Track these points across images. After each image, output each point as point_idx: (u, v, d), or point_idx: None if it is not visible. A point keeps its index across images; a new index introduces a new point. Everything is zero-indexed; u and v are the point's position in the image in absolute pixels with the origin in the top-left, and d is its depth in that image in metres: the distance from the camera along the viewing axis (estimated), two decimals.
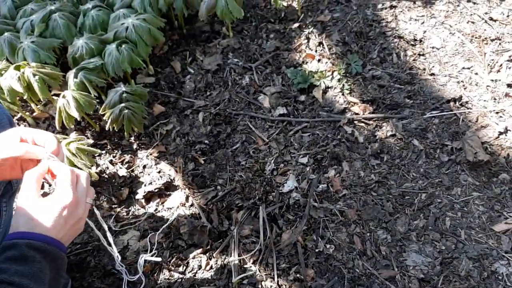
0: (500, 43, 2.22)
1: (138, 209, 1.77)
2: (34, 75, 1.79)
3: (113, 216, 1.74)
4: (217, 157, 1.87)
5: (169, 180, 1.82)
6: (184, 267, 1.61)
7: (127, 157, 1.88)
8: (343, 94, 2.02)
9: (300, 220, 1.66)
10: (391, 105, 2.00)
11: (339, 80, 2.06)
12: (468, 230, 1.65)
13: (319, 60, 2.15)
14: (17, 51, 1.93)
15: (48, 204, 0.88)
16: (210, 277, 1.58)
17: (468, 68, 2.16)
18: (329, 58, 2.15)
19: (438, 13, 2.38)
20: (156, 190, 1.78)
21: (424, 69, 2.15)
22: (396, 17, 2.35)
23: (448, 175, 1.79)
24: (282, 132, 1.94)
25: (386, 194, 1.74)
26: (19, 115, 2.01)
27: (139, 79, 2.09)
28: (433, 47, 2.25)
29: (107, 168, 1.85)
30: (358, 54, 2.17)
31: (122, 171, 1.84)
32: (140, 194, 1.77)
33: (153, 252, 1.62)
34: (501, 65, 2.15)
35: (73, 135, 1.76)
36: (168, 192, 1.80)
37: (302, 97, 2.04)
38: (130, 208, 1.78)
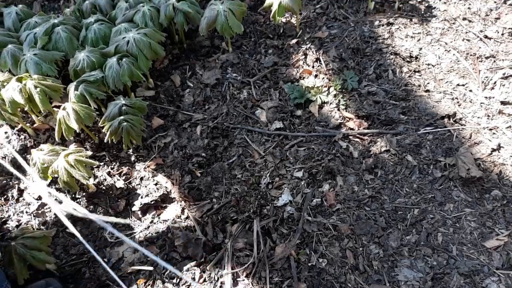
0: (494, 61, 2.26)
1: (134, 221, 1.80)
2: (36, 87, 1.83)
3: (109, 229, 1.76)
4: (213, 170, 1.90)
5: (166, 192, 1.84)
6: (178, 279, 1.62)
7: (124, 169, 1.91)
8: (338, 110, 2.06)
9: (294, 234, 1.68)
10: (386, 120, 2.03)
11: (335, 95, 2.10)
12: (459, 246, 1.67)
13: (316, 76, 2.18)
14: (20, 63, 1.97)
15: None
16: None
17: (463, 85, 2.19)
18: (325, 74, 2.19)
19: (434, 31, 2.42)
20: (152, 202, 1.80)
21: (419, 85, 2.18)
22: (392, 34, 2.39)
23: (441, 191, 1.82)
24: (278, 146, 1.97)
25: (379, 209, 1.76)
26: (19, 126, 2.05)
27: (139, 92, 2.13)
28: (428, 64, 2.28)
29: (105, 179, 1.88)
30: (355, 70, 2.21)
31: (120, 183, 1.87)
32: (137, 206, 1.79)
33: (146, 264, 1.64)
34: (495, 82, 2.18)
35: (72, 147, 1.79)
36: (164, 204, 1.83)
37: (299, 112, 2.07)
38: (126, 220, 1.80)
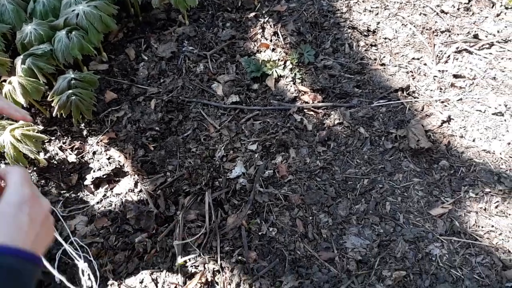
0: (449, 35, 2.30)
1: (86, 195, 1.78)
2: None
3: (61, 202, 1.75)
4: (167, 144, 1.90)
5: (119, 166, 1.83)
6: (130, 251, 1.63)
7: (77, 144, 1.88)
8: (294, 83, 2.07)
9: (245, 205, 1.70)
10: (341, 94, 2.05)
11: (291, 69, 2.10)
12: (406, 214, 1.73)
13: (273, 50, 2.18)
14: None
15: (4, 205, 0.68)
16: (155, 260, 1.61)
17: (418, 59, 2.22)
18: (283, 48, 2.19)
19: (392, 5, 2.44)
20: (105, 176, 1.79)
21: (375, 59, 2.20)
22: (350, 8, 2.39)
23: (391, 162, 1.86)
24: (234, 120, 1.98)
25: (330, 180, 1.80)
26: None
27: (92, 66, 2.09)
28: (385, 38, 2.30)
29: (57, 154, 1.85)
30: (312, 44, 2.21)
31: (72, 157, 1.84)
32: (89, 180, 1.78)
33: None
34: (449, 56, 2.22)
35: (20, 121, 1.75)
36: (117, 178, 1.82)
37: (255, 86, 2.07)
38: (78, 194, 1.79)
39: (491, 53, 2.19)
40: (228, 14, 2.34)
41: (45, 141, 1.88)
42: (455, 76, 2.14)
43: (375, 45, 2.27)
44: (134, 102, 2.01)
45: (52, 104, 1.77)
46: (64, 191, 1.78)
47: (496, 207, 1.72)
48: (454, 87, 2.11)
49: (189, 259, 1.59)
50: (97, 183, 1.79)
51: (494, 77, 2.10)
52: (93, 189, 1.79)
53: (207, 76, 2.10)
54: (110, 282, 1.57)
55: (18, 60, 1.82)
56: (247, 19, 2.33)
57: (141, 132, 1.92)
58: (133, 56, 2.16)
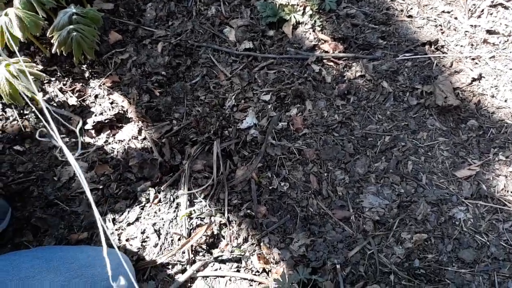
0: None
1: (87, 140, 1.67)
2: None
3: (60, 147, 1.64)
4: (174, 90, 1.76)
5: (122, 111, 1.71)
6: (132, 200, 1.53)
7: (78, 86, 1.75)
8: (314, 31, 1.90)
9: (256, 157, 1.58)
10: (363, 45, 1.89)
11: (311, 16, 1.93)
12: (430, 174, 1.60)
13: None
14: None
15: None
16: (158, 210, 1.51)
17: (448, 12, 2.04)
18: None
19: None
20: (107, 121, 1.67)
21: (402, 10, 2.02)
22: None
23: (415, 119, 1.72)
24: (246, 68, 1.83)
25: (348, 135, 1.66)
26: None
27: (96, 4, 1.93)
28: None
29: (56, 96, 1.73)
30: None
31: (72, 100, 1.72)
32: (90, 124, 1.66)
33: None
34: (482, 10, 2.04)
35: (17, 58, 1.62)
36: (120, 124, 1.70)
37: (271, 32, 1.91)
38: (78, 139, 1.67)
39: None
40: None
41: (44, 81, 1.75)
42: (488, 32, 1.96)
43: None
44: (140, 45, 1.86)
45: (52, 41, 1.63)
46: (63, 135, 1.66)
47: None
48: (486, 43, 1.93)
49: (194, 211, 1.49)
50: (99, 128, 1.68)
51: None
52: (94, 135, 1.68)
53: (219, 20, 1.94)
54: (109, 231, 1.47)
55: None
56: None
57: (146, 76, 1.78)
58: None
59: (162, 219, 1.49)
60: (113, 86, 1.76)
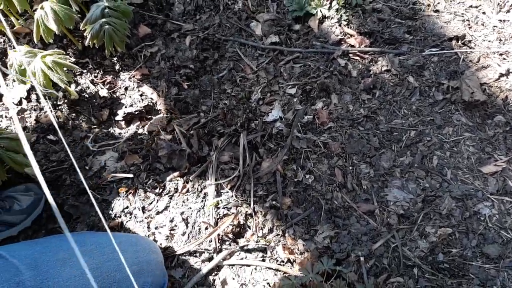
0: None
1: (117, 131, 1.72)
2: None
3: (91, 137, 1.70)
4: (202, 83, 1.80)
5: (151, 103, 1.75)
6: (161, 189, 1.58)
7: (108, 78, 1.81)
8: (340, 25, 1.91)
9: (282, 150, 1.61)
10: (390, 39, 1.89)
11: (337, 10, 1.94)
12: (455, 170, 1.60)
13: None
14: None
15: None
16: (186, 200, 1.55)
17: (476, 7, 2.02)
18: None
19: None
20: (136, 113, 1.72)
21: (429, 5, 2.01)
22: None
23: (441, 114, 1.72)
24: (272, 62, 1.85)
25: (374, 129, 1.67)
26: None
27: None
28: None
29: (88, 87, 1.78)
30: None
31: (103, 92, 1.77)
32: (120, 115, 1.71)
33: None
34: (511, 5, 2.01)
35: (52, 50, 1.68)
36: (149, 116, 1.75)
37: (297, 26, 1.92)
38: (109, 130, 1.73)
39: None
40: None
41: (77, 73, 1.80)
42: None
43: None
44: (169, 38, 1.90)
45: (85, 34, 1.68)
46: (95, 126, 1.72)
47: None
48: None
49: (221, 201, 1.52)
50: (129, 119, 1.72)
51: None
52: (124, 126, 1.73)
53: (246, 14, 1.97)
54: (139, 219, 1.52)
55: None
56: None
57: (175, 69, 1.82)
58: None
59: (190, 208, 1.53)
60: (142, 79, 1.80)
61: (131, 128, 1.72)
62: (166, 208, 1.55)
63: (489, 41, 1.91)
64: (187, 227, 1.50)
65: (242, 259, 1.45)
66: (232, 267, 1.44)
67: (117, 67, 1.83)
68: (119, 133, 1.71)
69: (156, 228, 1.51)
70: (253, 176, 1.56)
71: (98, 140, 1.69)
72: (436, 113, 1.72)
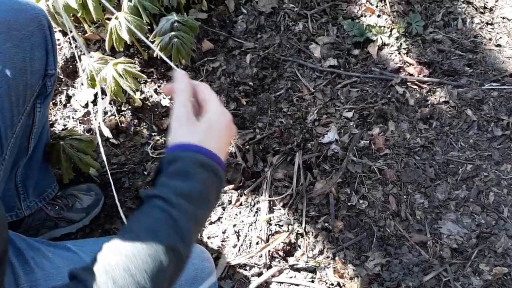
0: None
1: None
2: None
3: (151, 144, 1.76)
4: (259, 100, 1.84)
5: None
6: None
7: None
8: (399, 53, 1.92)
9: (336, 172, 1.62)
10: (449, 71, 1.89)
11: (397, 38, 1.95)
12: None
13: (378, 16, 2.04)
14: None
15: (210, 122, 0.77)
16: (239, 213, 1.58)
17: None
18: (389, 15, 2.04)
19: None
20: None
21: (490, 39, 2.00)
22: None
23: (499, 150, 1.70)
24: (329, 84, 1.88)
25: (430, 160, 1.67)
26: (71, 35, 2.04)
27: (192, 13, 2.06)
28: (503, 18, 2.09)
29: (151, 96, 1.86)
30: (421, 14, 2.04)
31: (165, 101, 1.84)
32: None
33: None
34: None
35: (121, 58, 1.76)
36: None
37: (356, 51, 1.95)
38: (169, 138, 1.78)
39: None
40: None
41: (142, 82, 1.88)
42: None
43: (491, 24, 2.06)
44: (230, 55, 1.96)
45: (154, 45, 1.76)
46: (155, 134, 1.78)
47: None
48: None
49: (274, 217, 1.55)
50: None
51: None
52: None
53: (306, 36, 2.01)
54: None
55: None
56: None
57: (234, 85, 1.87)
58: (233, 8, 2.10)
59: (242, 221, 1.56)
60: None
61: None
62: (219, 219, 1.58)
63: None
64: (238, 239, 1.53)
65: (291, 277, 1.46)
66: (280, 285, 1.45)
67: None
68: None
69: (208, 237, 1.54)
70: (306, 196, 1.58)
71: (158, 148, 1.76)
72: (494, 149, 1.70)
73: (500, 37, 2.02)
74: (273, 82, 1.91)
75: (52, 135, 1.58)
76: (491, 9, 2.11)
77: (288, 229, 1.52)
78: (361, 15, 2.05)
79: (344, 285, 1.43)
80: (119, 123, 1.80)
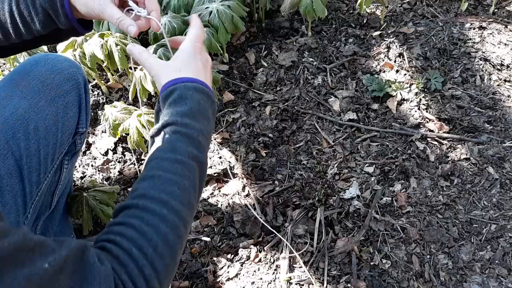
0: None
1: None
2: (117, 44, 1.84)
3: None
4: (279, 152, 1.84)
5: (229, 167, 1.80)
6: (233, 255, 1.58)
7: None
8: (419, 109, 1.94)
9: (358, 230, 1.59)
10: (469, 127, 1.89)
11: (416, 94, 1.97)
12: None
13: (397, 71, 2.07)
14: (102, 21, 1.99)
15: (184, 52, 0.90)
16: (257, 270, 1.54)
17: None
18: (408, 71, 2.07)
19: None
20: (215, 175, 1.77)
21: (509, 96, 2.01)
22: (484, 39, 2.22)
23: None
24: (349, 138, 1.88)
25: (453, 218, 1.64)
26: (94, 82, 2.08)
27: (213, 65, 2.11)
28: None
29: None
30: (439, 71, 2.07)
31: None
32: None
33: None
34: None
35: (144, 109, 1.79)
36: (226, 179, 1.79)
37: (375, 106, 1.97)
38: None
39: None
40: (352, 29, 2.27)
41: None
42: None
43: (509, 81, 2.08)
44: (250, 106, 1.99)
45: None
46: None
47: None
48: None
49: (294, 276, 1.50)
50: (207, 180, 1.77)
51: None
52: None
53: (325, 90, 2.04)
54: (210, 283, 1.52)
55: (150, 49, 1.86)
56: (371, 37, 2.24)
57: (254, 136, 1.88)
58: (253, 60, 2.15)
59: (261, 279, 1.52)
60: (222, 142, 1.87)
61: (208, 189, 1.77)
62: (236, 275, 1.54)
63: None
64: None
65: None
66: None
67: None
68: None
69: None
70: (327, 254, 1.54)
71: None
72: None
73: None
74: (293, 134, 1.91)
75: (73, 185, 1.58)
76: (508, 66, 2.13)
77: None
78: (380, 70, 2.08)
79: None
80: (139, 172, 1.80)
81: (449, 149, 1.83)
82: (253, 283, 1.52)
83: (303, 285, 1.49)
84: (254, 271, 1.55)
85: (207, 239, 1.59)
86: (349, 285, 1.48)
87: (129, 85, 2.07)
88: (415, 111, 1.93)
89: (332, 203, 1.66)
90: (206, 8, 1.96)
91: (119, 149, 1.87)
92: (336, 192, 1.69)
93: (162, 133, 0.81)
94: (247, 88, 2.04)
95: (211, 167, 1.80)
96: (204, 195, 1.75)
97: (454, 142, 1.85)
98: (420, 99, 1.96)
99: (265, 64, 2.13)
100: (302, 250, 1.56)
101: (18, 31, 0.93)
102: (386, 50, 2.15)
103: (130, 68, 2.02)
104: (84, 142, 1.28)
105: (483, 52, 2.17)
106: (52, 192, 1.23)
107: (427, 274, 1.52)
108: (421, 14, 2.37)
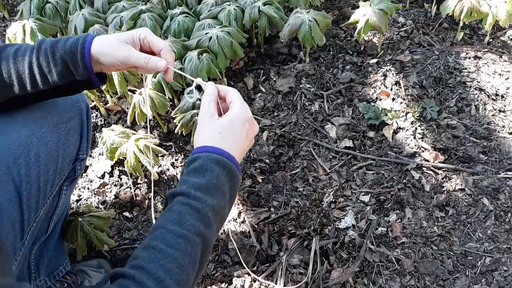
0: None
1: None
2: None
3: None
4: (275, 178, 1.85)
5: None
6: (227, 284, 1.57)
7: None
8: (414, 138, 1.95)
9: (353, 260, 1.59)
10: (464, 157, 1.90)
11: (412, 122, 1.99)
12: None
13: (393, 99, 2.09)
14: None
15: (229, 121, 0.90)
16: None
17: None
18: (404, 99, 2.09)
19: None
20: None
21: (504, 126, 2.04)
22: (479, 69, 2.26)
23: None
24: (345, 165, 1.89)
25: (448, 250, 1.64)
26: (93, 104, 2.09)
27: None
28: None
29: (168, 169, 1.87)
30: (435, 99, 2.10)
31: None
32: None
33: None
34: None
35: (142, 133, 1.79)
36: None
37: (371, 134, 1.98)
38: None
39: None
40: (349, 57, 2.30)
41: (160, 155, 1.90)
42: None
43: (503, 111, 2.11)
44: None
45: (175, 121, 1.79)
46: None
47: None
48: None
49: None
50: None
51: None
52: None
53: (322, 116, 2.05)
54: None
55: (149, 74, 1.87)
56: (368, 65, 2.27)
57: (251, 162, 1.89)
58: (251, 85, 2.17)
59: None
60: None
61: None
62: None
63: None
64: None
65: None
66: None
67: None
68: None
69: None
70: (322, 285, 1.54)
71: None
72: None
73: None
74: (289, 160, 1.92)
75: (69, 208, 1.57)
76: (502, 96, 2.16)
77: None
78: (377, 98, 2.11)
79: None
80: (134, 196, 1.80)
81: (444, 179, 1.84)
82: None
83: None
84: None
85: None
86: None
87: (127, 108, 2.08)
88: (411, 140, 1.94)
89: (327, 233, 1.65)
90: (206, 33, 1.98)
91: (116, 172, 1.87)
92: (332, 221, 1.69)
93: (175, 201, 0.82)
94: None
95: None
96: None
97: (449, 172, 1.86)
98: (416, 128, 1.98)
99: (263, 89, 2.15)
100: (296, 281, 1.55)
101: (34, 82, 0.97)
102: (382, 78, 2.17)
103: (129, 91, 2.03)
104: (83, 170, 1.28)
105: (478, 82, 2.21)
106: (49, 218, 1.23)
107: None
108: (417, 43, 2.41)
